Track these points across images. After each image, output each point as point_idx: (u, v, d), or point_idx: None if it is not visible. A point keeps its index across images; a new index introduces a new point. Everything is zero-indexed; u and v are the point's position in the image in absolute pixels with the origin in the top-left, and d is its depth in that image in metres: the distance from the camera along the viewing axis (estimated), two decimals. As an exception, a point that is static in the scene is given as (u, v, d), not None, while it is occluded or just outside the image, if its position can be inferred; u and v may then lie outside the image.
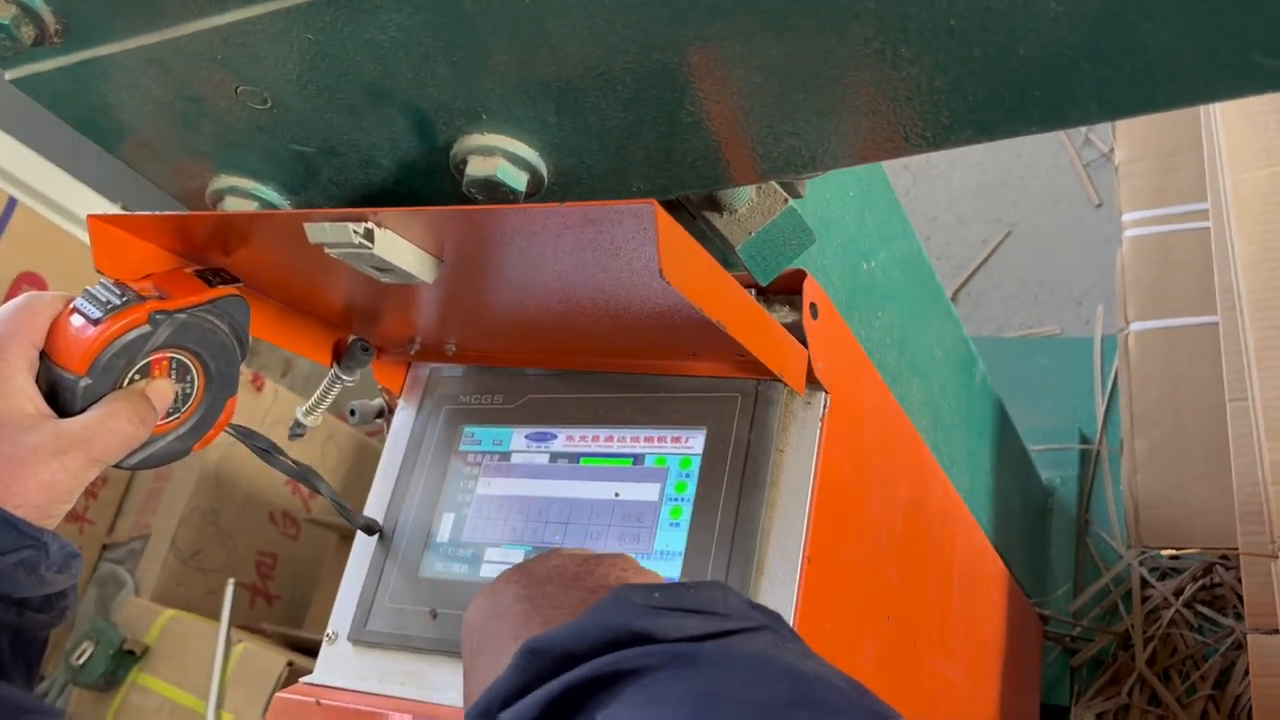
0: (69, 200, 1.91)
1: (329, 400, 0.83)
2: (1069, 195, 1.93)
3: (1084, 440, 1.58)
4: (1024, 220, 1.95)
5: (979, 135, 0.45)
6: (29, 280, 1.67)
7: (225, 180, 0.60)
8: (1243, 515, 1.09)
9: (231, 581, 1.44)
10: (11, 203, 1.65)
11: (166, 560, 1.70)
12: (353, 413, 0.87)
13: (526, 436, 0.77)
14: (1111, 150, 1.65)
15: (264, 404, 1.84)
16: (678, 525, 0.68)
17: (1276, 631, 1.04)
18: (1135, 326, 1.36)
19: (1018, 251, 1.93)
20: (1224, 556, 1.34)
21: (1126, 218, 1.41)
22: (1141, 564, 1.42)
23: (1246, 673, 1.24)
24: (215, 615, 1.58)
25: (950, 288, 1.94)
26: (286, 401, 1.86)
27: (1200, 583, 1.37)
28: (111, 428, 0.57)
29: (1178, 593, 1.37)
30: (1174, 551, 1.35)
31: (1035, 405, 1.61)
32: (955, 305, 1.94)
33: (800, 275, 0.66)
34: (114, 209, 2.06)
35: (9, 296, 1.64)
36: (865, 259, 0.85)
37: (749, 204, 0.58)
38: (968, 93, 0.43)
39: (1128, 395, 1.34)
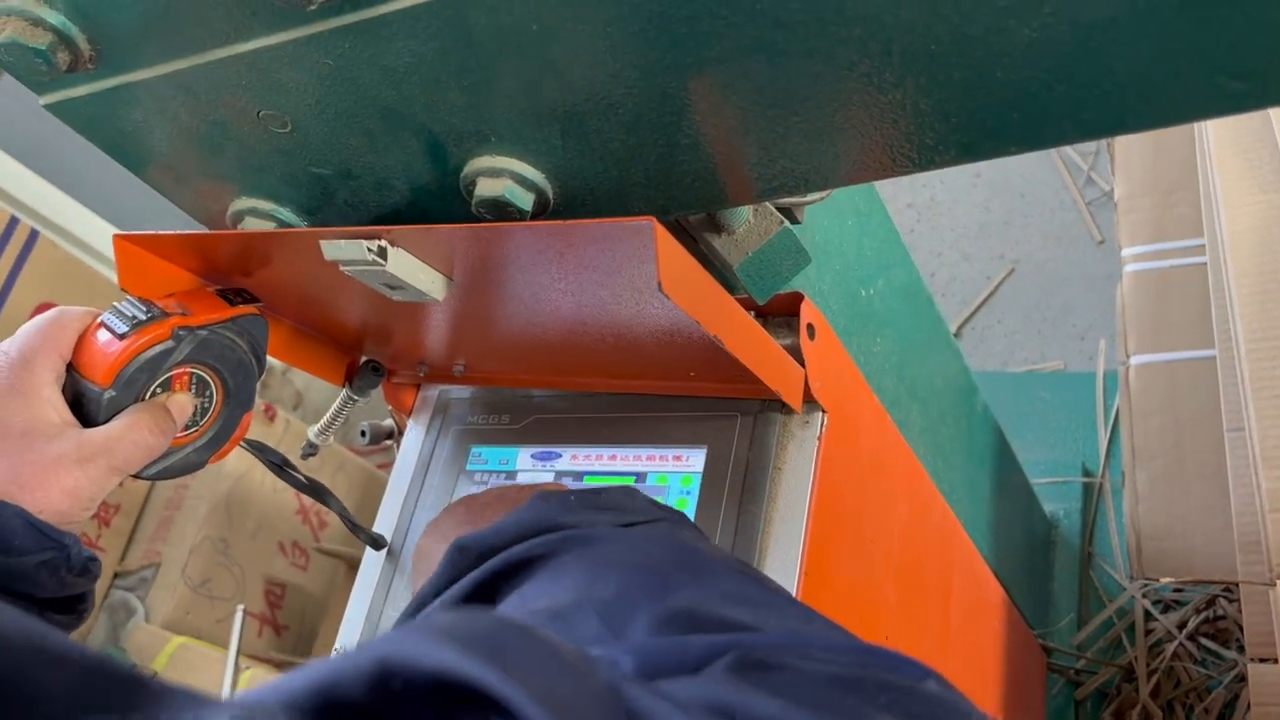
0: (88, 233, 1.95)
1: (341, 420, 0.85)
2: (1071, 233, 1.96)
3: (1087, 473, 1.59)
4: (1027, 257, 1.98)
5: (962, 156, 0.48)
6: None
7: (246, 202, 0.62)
8: (1242, 545, 1.10)
9: (240, 608, 1.45)
10: (33, 235, 1.68)
11: (177, 588, 1.71)
12: (364, 433, 0.89)
13: (532, 456, 0.79)
14: (1113, 189, 1.67)
15: (275, 434, 1.86)
16: (678, 541, 0.70)
17: (1276, 660, 1.04)
18: (1135, 360, 1.38)
19: (1021, 288, 1.95)
20: (1227, 589, 1.35)
21: (1126, 253, 1.44)
22: (1145, 596, 1.42)
23: (1250, 706, 1.25)
24: (224, 643, 1.59)
25: (955, 323, 1.96)
26: (298, 432, 1.88)
27: (1204, 615, 1.38)
28: (133, 438, 0.59)
29: (1181, 625, 1.38)
30: (1177, 583, 1.35)
31: (1039, 439, 1.63)
32: (960, 341, 1.96)
33: (798, 298, 0.68)
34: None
35: (28, 327, 1.67)
36: (864, 286, 0.87)
37: (746, 225, 0.61)
38: (950, 115, 0.46)
39: (1128, 428, 1.35)
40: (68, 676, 0.22)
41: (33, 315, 1.76)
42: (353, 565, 1.92)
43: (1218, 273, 1.18)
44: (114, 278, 1.88)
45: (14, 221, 1.66)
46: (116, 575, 1.78)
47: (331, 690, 0.24)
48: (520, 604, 0.44)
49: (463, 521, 0.57)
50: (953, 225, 2.07)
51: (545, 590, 0.43)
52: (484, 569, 0.46)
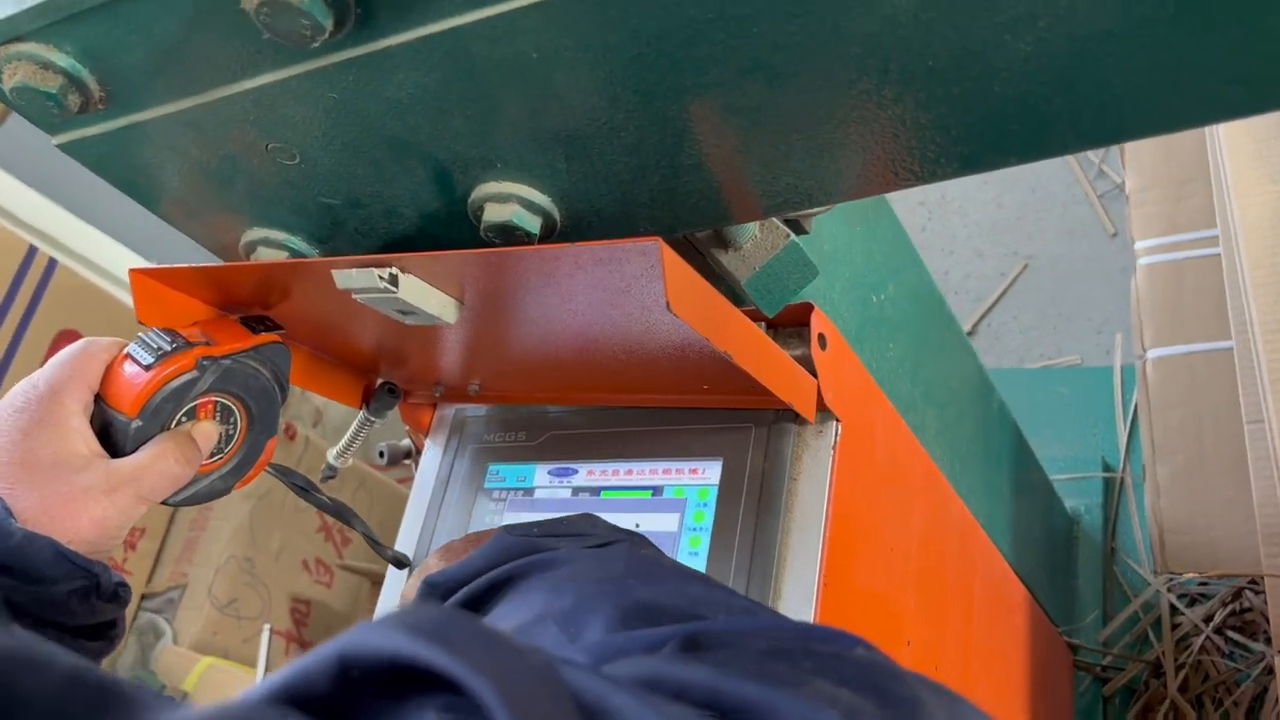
0: (106, 260, 1.97)
1: (359, 442, 0.86)
2: (1084, 227, 1.95)
3: (1107, 468, 1.58)
4: (1041, 252, 1.97)
5: (964, 168, 0.48)
6: (69, 338, 1.72)
7: (257, 233, 0.63)
8: (1265, 537, 1.09)
9: (267, 627, 1.46)
10: (51, 263, 1.70)
11: (204, 609, 1.72)
12: (382, 454, 0.90)
13: (549, 472, 0.79)
14: (1125, 181, 1.67)
15: (296, 451, 1.87)
16: (697, 555, 0.70)
17: (1304, 653, 1.04)
18: (1152, 353, 1.37)
19: (1036, 283, 1.95)
20: (1252, 581, 1.34)
21: (1139, 246, 1.43)
22: (1170, 590, 1.41)
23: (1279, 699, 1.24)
24: (252, 662, 1.60)
25: (970, 320, 1.96)
26: (318, 449, 1.89)
27: (1230, 608, 1.37)
28: (159, 468, 0.60)
29: (1207, 619, 1.37)
30: (1202, 576, 1.35)
31: (1058, 435, 1.62)
32: (975, 338, 1.95)
33: (808, 308, 0.68)
34: (147, 264, 2.12)
35: (50, 353, 1.69)
36: (874, 292, 0.87)
37: (753, 240, 0.61)
38: (950, 128, 0.46)
39: (1148, 422, 1.35)
40: (50, 683, 0.24)
41: (53, 343, 1.78)
42: (376, 581, 1.93)
43: (1232, 265, 1.17)
44: (132, 303, 1.88)
45: (32, 251, 1.68)
46: (144, 597, 1.80)
47: (300, 685, 0.26)
48: None
49: (439, 562, 0.59)
50: (965, 222, 2.06)
51: (509, 612, 0.45)
52: (453, 601, 0.48)
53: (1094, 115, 0.43)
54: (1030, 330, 1.90)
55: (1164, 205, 1.43)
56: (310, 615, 1.89)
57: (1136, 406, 1.59)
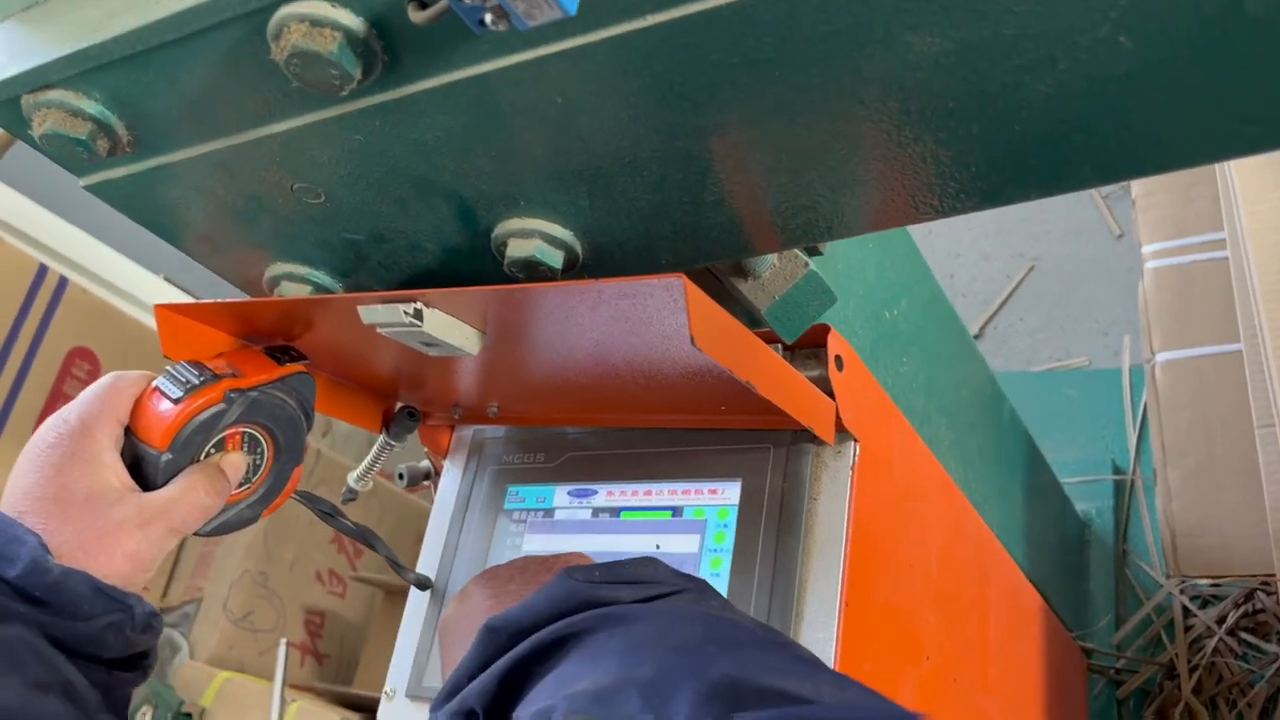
0: (117, 276, 1.98)
1: (379, 464, 0.87)
2: (1090, 227, 1.95)
3: (1117, 470, 1.59)
4: (1047, 254, 1.97)
5: (984, 203, 0.49)
6: (81, 355, 1.73)
7: (282, 267, 0.64)
8: (1277, 540, 1.10)
9: (284, 642, 1.47)
10: (62, 282, 1.71)
11: (219, 623, 1.73)
12: (401, 476, 0.91)
13: (569, 493, 0.80)
14: (1130, 184, 1.67)
15: (307, 464, 1.88)
16: (718, 575, 0.71)
17: (1318, 656, 1.04)
18: (1161, 357, 1.37)
19: (1042, 285, 1.95)
20: (1265, 581, 1.35)
21: (1146, 250, 1.43)
22: (1182, 592, 1.42)
23: (1294, 699, 1.25)
24: (268, 675, 1.61)
25: (977, 323, 1.96)
26: (329, 461, 1.90)
27: (1243, 609, 1.37)
28: (190, 500, 0.61)
29: (1220, 620, 1.37)
30: (1213, 579, 1.35)
31: (1067, 438, 1.62)
32: (982, 340, 1.96)
33: (824, 330, 0.69)
34: (157, 280, 2.13)
35: (63, 370, 1.70)
36: (887, 308, 0.88)
37: (772, 269, 0.62)
38: (970, 165, 0.46)
39: (1158, 425, 1.35)
40: None
41: (65, 361, 1.79)
42: (389, 591, 1.93)
43: (1240, 271, 1.17)
44: (144, 318, 1.90)
45: (43, 270, 1.69)
46: (160, 611, 1.81)
47: None
48: (558, 686, 0.45)
49: (488, 596, 0.58)
50: (970, 224, 2.07)
51: (582, 672, 0.44)
52: (517, 651, 0.47)
53: (1113, 152, 0.44)
54: (1037, 332, 1.91)
55: (1170, 209, 1.44)
56: (325, 626, 1.90)
57: (1146, 408, 1.59)
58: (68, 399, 1.73)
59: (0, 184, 1.84)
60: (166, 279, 2.16)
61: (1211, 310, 1.36)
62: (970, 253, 2.04)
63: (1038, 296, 1.94)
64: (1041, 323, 1.91)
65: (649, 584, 0.51)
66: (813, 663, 0.46)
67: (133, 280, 2.01)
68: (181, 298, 2.14)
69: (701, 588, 0.54)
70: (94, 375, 1.73)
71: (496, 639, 0.49)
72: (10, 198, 1.85)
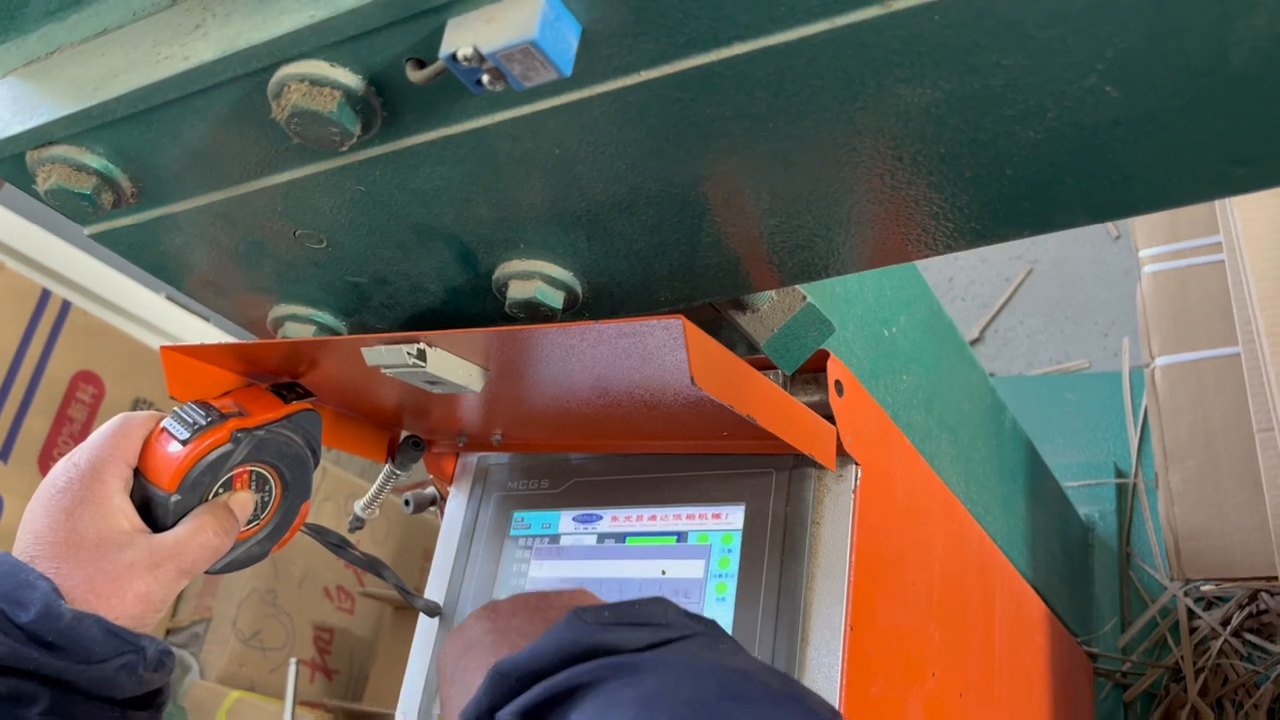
0: (120, 298, 1.99)
1: (385, 493, 0.87)
2: (1087, 229, 1.96)
3: (1119, 473, 1.59)
4: (1045, 256, 1.98)
5: (977, 241, 0.49)
6: (86, 378, 1.74)
7: (285, 309, 0.65)
8: (1279, 544, 1.10)
9: (294, 660, 1.48)
10: (65, 306, 1.72)
11: (229, 642, 1.74)
12: (407, 503, 0.91)
13: (574, 519, 0.80)
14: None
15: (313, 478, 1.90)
16: (724, 600, 0.71)
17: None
18: (1160, 361, 1.38)
19: (1041, 287, 1.96)
20: (1269, 582, 1.35)
21: (1144, 254, 1.44)
22: (1186, 594, 1.43)
23: (1299, 699, 1.25)
24: (278, 693, 1.62)
25: (977, 327, 1.97)
26: (333, 478, 1.91)
27: (1247, 610, 1.38)
28: (199, 540, 0.62)
29: (1225, 622, 1.38)
30: (1217, 581, 1.36)
31: (1068, 441, 1.63)
32: (983, 343, 1.96)
33: (824, 356, 0.70)
34: (158, 299, 2.14)
35: (68, 394, 1.71)
36: (886, 326, 0.89)
37: (770, 303, 0.62)
38: (963, 207, 0.47)
39: (1159, 429, 1.36)
40: None
41: (70, 384, 1.79)
42: (398, 606, 1.94)
43: (1237, 277, 1.18)
44: (147, 338, 1.90)
45: (46, 294, 1.70)
46: (169, 632, 1.82)
47: None
48: None
49: (489, 631, 0.58)
50: (968, 227, 2.07)
51: None
52: (528, 697, 0.47)
53: (1104, 194, 0.45)
54: (1037, 335, 1.91)
55: (1166, 212, 1.44)
56: (333, 642, 1.91)
57: (1147, 411, 1.60)
58: (72, 423, 1.74)
59: (1, 208, 1.85)
60: (168, 298, 2.17)
61: (1209, 314, 1.37)
62: (968, 256, 2.05)
63: (1037, 299, 1.95)
64: (1041, 325, 1.92)
65: (659, 626, 0.51)
66: (825, 715, 0.46)
67: (135, 300, 2.02)
68: (184, 318, 2.14)
69: (712, 629, 0.53)
70: (98, 399, 1.74)
71: (505, 683, 0.48)
72: (12, 221, 1.86)
